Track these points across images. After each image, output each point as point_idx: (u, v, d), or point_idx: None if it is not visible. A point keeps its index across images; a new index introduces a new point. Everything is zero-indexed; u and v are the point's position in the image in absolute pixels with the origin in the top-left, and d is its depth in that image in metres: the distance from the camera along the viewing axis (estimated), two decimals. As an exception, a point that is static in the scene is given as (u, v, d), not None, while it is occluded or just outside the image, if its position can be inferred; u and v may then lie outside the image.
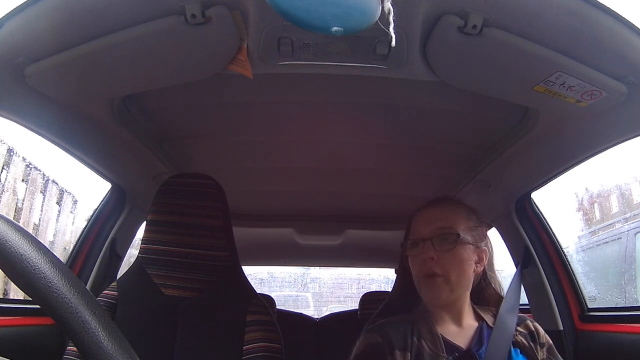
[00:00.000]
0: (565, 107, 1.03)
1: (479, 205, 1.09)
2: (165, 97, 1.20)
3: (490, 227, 1.73)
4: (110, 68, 0.97)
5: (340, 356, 0.98)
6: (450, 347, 0.92)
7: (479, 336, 0.95)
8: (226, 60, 0.95)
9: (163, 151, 1.48)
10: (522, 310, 1.06)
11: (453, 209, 1.00)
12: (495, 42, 0.87)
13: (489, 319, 0.99)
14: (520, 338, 0.96)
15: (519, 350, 0.94)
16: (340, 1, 0.59)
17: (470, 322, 0.98)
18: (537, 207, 1.62)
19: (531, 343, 0.96)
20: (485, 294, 1.04)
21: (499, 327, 0.96)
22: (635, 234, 3.56)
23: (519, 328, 0.98)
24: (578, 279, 1.58)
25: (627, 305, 3.25)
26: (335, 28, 0.60)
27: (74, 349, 0.91)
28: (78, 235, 1.70)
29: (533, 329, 0.99)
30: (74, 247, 1.62)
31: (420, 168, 1.63)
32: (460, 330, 0.96)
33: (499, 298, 1.04)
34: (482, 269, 0.99)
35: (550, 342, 0.99)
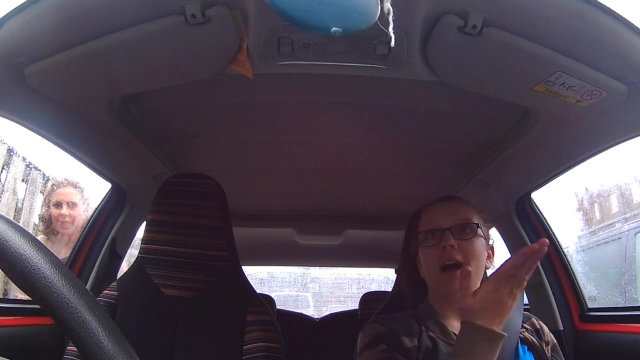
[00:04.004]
0: (565, 107, 1.03)
1: (479, 205, 1.09)
2: (165, 97, 1.20)
3: (490, 227, 1.73)
4: (110, 68, 0.97)
5: (340, 356, 0.98)
6: None
7: None
8: (226, 60, 0.95)
9: (163, 151, 1.48)
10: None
11: (467, 204, 1.01)
12: (495, 42, 0.87)
13: None
14: (528, 335, 0.96)
15: (526, 348, 0.94)
16: (339, 1, 0.59)
17: None
18: (537, 207, 1.62)
19: (539, 341, 0.97)
20: None
21: (505, 324, 0.95)
22: (635, 234, 3.56)
23: (525, 325, 0.99)
24: (578, 279, 1.58)
25: (627, 305, 3.24)
26: (334, 28, 0.60)
27: (74, 349, 0.91)
28: (78, 235, 1.70)
29: (538, 327, 1.00)
30: (74, 247, 1.62)
31: (420, 168, 1.63)
32: None
33: None
34: (490, 265, 0.99)
35: (555, 341, 1.00)
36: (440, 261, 0.93)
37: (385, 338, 0.90)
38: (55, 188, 2.24)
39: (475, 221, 0.96)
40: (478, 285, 0.93)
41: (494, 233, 1.74)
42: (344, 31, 0.61)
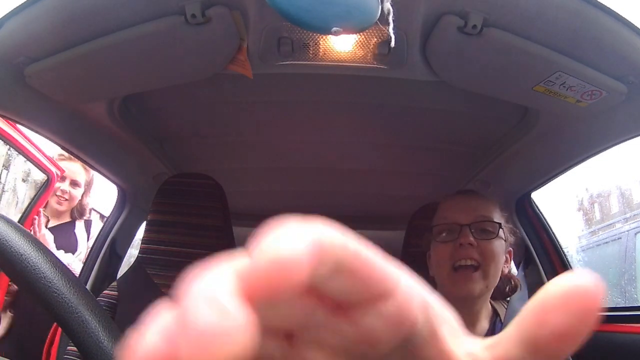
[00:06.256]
0: (565, 107, 1.03)
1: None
2: (165, 97, 1.20)
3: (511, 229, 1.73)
4: (110, 68, 0.97)
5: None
6: None
7: None
8: (226, 60, 0.95)
9: (163, 151, 1.48)
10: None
11: (490, 201, 0.93)
12: (495, 42, 0.87)
13: (503, 313, 0.93)
14: None
15: None
16: (340, 1, 0.59)
17: (483, 326, 0.91)
18: (537, 207, 1.62)
19: None
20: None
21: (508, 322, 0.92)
22: (635, 234, 3.55)
23: None
24: (578, 279, 1.57)
25: (627, 305, 3.24)
26: (334, 28, 0.60)
27: (74, 349, 0.91)
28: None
29: None
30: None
31: (420, 168, 1.63)
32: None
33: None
34: (507, 270, 0.92)
35: None
36: (453, 259, 0.85)
37: None
38: (62, 158, 1.92)
39: (497, 220, 0.88)
40: (490, 292, 0.88)
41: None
42: (345, 31, 0.61)
